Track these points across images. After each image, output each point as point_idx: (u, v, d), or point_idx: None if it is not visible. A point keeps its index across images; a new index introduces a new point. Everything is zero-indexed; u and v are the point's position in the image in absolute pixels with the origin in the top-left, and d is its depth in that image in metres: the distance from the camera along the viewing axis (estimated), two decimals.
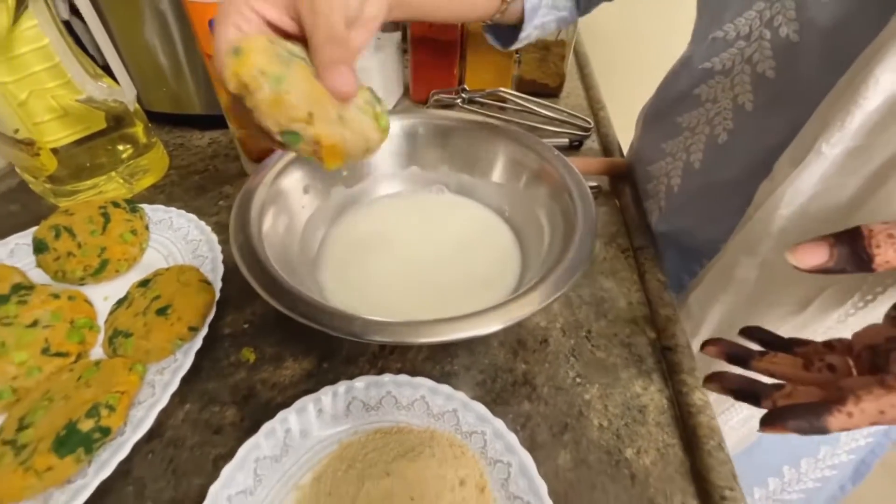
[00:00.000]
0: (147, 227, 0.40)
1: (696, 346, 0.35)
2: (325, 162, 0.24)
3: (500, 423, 0.29)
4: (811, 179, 0.26)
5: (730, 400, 0.25)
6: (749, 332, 0.25)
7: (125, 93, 0.43)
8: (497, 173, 0.42)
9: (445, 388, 0.30)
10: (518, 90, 0.62)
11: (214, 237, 0.39)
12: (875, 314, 0.26)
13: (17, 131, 0.38)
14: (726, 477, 0.28)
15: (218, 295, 0.35)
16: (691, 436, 0.30)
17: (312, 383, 0.33)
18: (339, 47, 0.23)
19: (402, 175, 0.44)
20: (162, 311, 0.31)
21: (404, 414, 0.30)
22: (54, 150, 0.41)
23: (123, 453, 0.26)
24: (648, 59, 0.71)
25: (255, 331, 0.36)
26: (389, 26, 0.61)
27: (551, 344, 0.36)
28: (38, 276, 0.37)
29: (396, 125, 0.41)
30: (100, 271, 0.37)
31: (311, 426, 0.29)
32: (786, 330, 0.24)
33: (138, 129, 0.46)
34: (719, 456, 0.28)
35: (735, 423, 0.39)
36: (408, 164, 0.44)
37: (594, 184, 0.50)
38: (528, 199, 0.40)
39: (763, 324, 0.25)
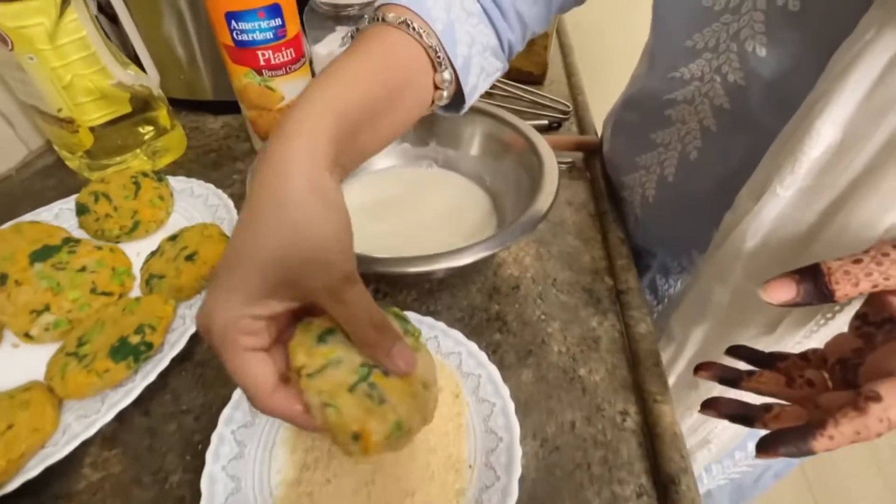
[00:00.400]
0: (172, 195, 0.46)
1: (679, 365, 0.40)
2: (363, 453, 0.21)
3: (473, 345, 0.34)
4: (770, 216, 0.29)
5: (695, 406, 0.28)
6: (734, 350, 0.28)
7: (150, 78, 0.49)
8: (476, 147, 0.48)
9: (429, 319, 0.36)
10: (504, 77, 0.67)
11: (230, 202, 0.45)
12: (837, 325, 0.29)
13: (60, 110, 0.44)
14: (659, 385, 0.33)
15: None
16: (634, 357, 0.36)
17: None
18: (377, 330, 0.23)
19: (395, 150, 0.50)
20: (190, 258, 0.37)
21: None
22: (91, 129, 0.47)
23: (163, 364, 0.32)
24: (628, 50, 0.76)
25: None
26: None
27: (522, 289, 0.41)
28: (79, 235, 0.43)
29: None
30: (133, 231, 0.43)
31: None
32: (761, 346, 0.27)
33: (161, 113, 0.52)
34: (655, 371, 0.34)
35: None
36: (400, 141, 0.50)
37: (569, 160, 0.55)
38: (502, 167, 0.45)
39: (740, 342, 0.28)
